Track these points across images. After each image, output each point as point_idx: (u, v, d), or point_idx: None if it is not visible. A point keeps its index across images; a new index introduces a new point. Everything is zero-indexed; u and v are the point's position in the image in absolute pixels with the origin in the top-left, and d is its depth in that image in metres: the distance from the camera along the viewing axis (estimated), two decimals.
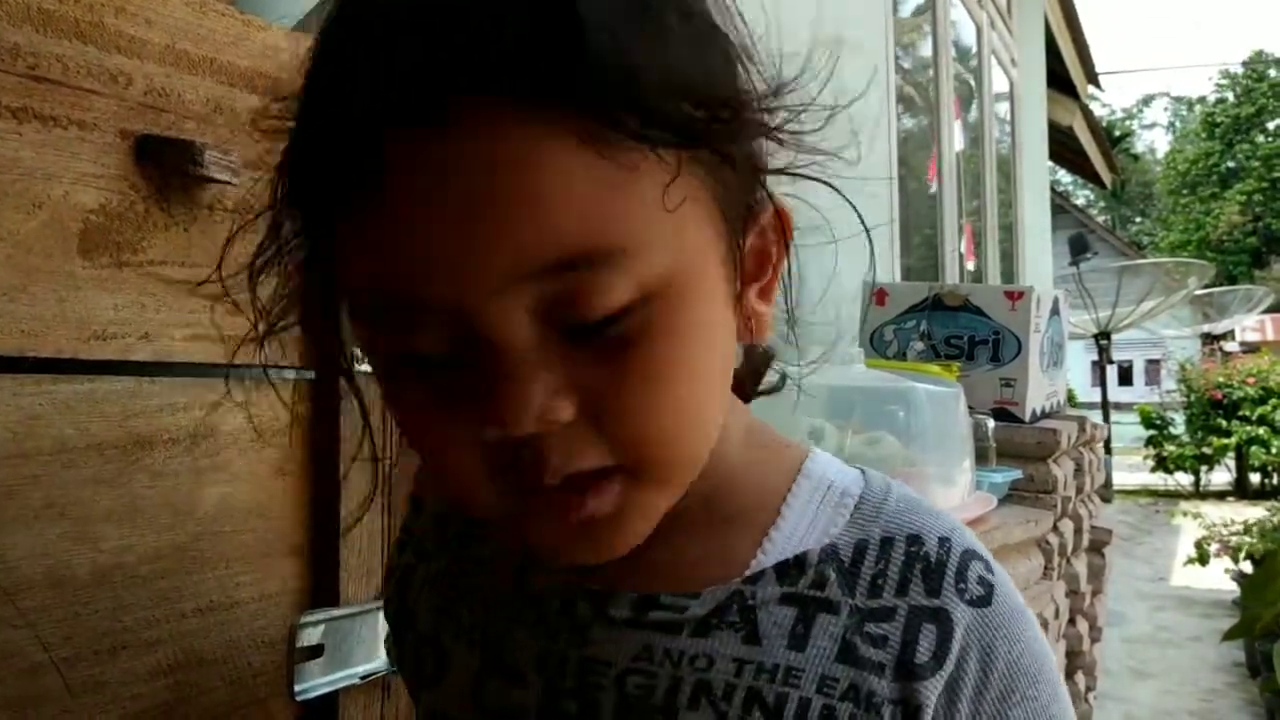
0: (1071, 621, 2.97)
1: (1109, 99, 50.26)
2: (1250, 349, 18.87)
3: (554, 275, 0.50)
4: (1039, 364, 2.54)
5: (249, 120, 0.95)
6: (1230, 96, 39.49)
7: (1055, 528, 2.51)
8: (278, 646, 0.99)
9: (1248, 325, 21.09)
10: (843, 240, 0.71)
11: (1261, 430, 13.20)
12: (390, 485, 1.08)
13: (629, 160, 0.50)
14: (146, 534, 0.89)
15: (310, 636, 0.98)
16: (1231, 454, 13.79)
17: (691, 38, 0.53)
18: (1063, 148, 9.98)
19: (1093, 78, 9.54)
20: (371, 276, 0.52)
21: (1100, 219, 34.12)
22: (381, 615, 1.05)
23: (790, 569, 0.63)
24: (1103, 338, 11.03)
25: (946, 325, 2.51)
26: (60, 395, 0.83)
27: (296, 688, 0.97)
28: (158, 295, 0.89)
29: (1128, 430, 15.19)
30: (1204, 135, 39.55)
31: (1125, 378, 24.39)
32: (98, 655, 0.85)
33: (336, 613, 1.01)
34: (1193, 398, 14.21)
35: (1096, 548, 3.38)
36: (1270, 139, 36.95)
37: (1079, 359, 17.15)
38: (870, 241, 0.71)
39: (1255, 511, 7.81)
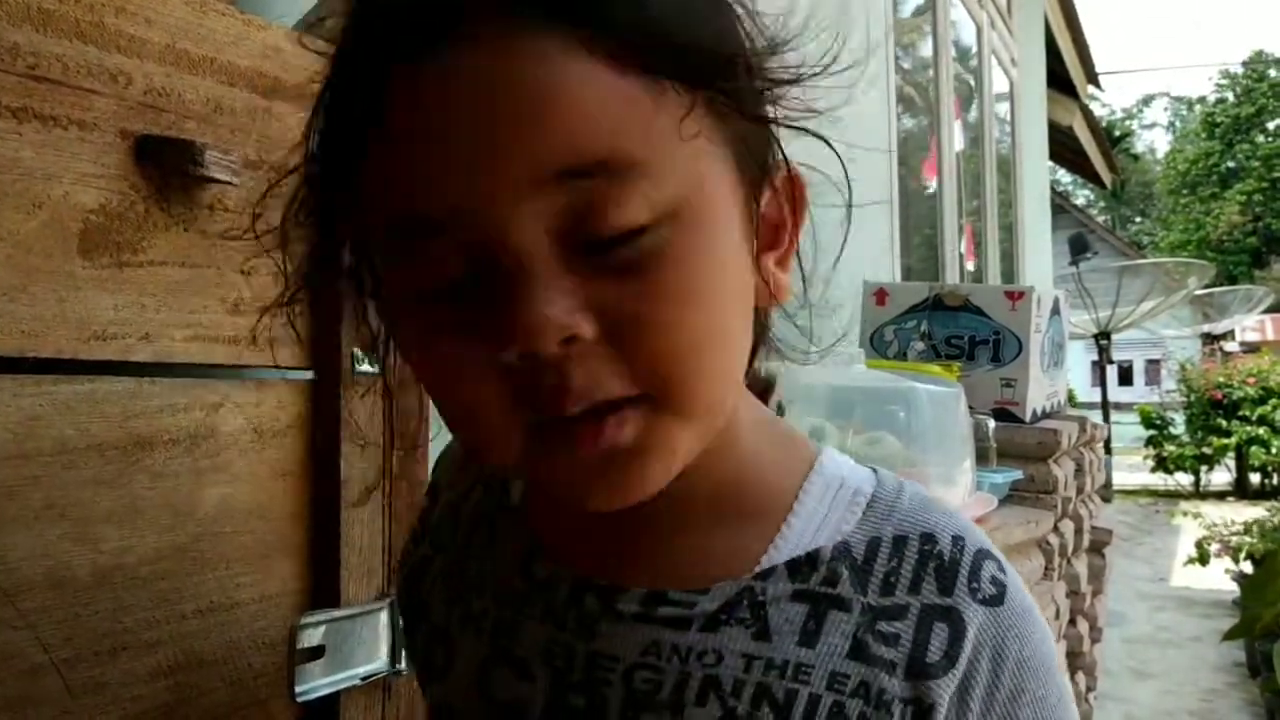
0: (1072, 622, 2.97)
1: (1109, 99, 50.30)
2: (1250, 349, 18.88)
3: (571, 183, 0.51)
4: (1039, 364, 2.54)
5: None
6: (1230, 96, 39.50)
7: (1056, 528, 2.51)
8: (278, 647, 0.98)
9: (1248, 325, 21.09)
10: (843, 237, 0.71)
11: (1261, 430, 13.20)
12: (392, 486, 1.07)
13: (644, 84, 0.52)
14: (147, 535, 0.89)
15: (311, 637, 0.98)
16: (1231, 454, 13.78)
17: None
18: (1063, 148, 9.98)
19: (1093, 78, 9.54)
20: (396, 200, 0.53)
21: (1100, 219, 34.13)
22: (383, 616, 1.05)
23: (802, 566, 0.63)
24: (1103, 338, 11.03)
25: (947, 325, 2.51)
26: (60, 396, 0.83)
27: (297, 689, 0.97)
28: (158, 295, 0.89)
29: (1128, 430, 15.19)
30: (1204, 135, 39.56)
31: (1125, 378, 24.40)
32: (98, 656, 0.84)
33: (337, 614, 1.01)
34: (1193, 398, 14.20)
35: (1097, 548, 3.37)
36: (1270, 139, 36.96)
37: (1079, 359, 17.15)
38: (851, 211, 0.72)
39: (1255, 511, 7.81)
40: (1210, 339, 18.14)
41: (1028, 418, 2.50)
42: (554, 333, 0.51)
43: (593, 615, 0.65)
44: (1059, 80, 8.63)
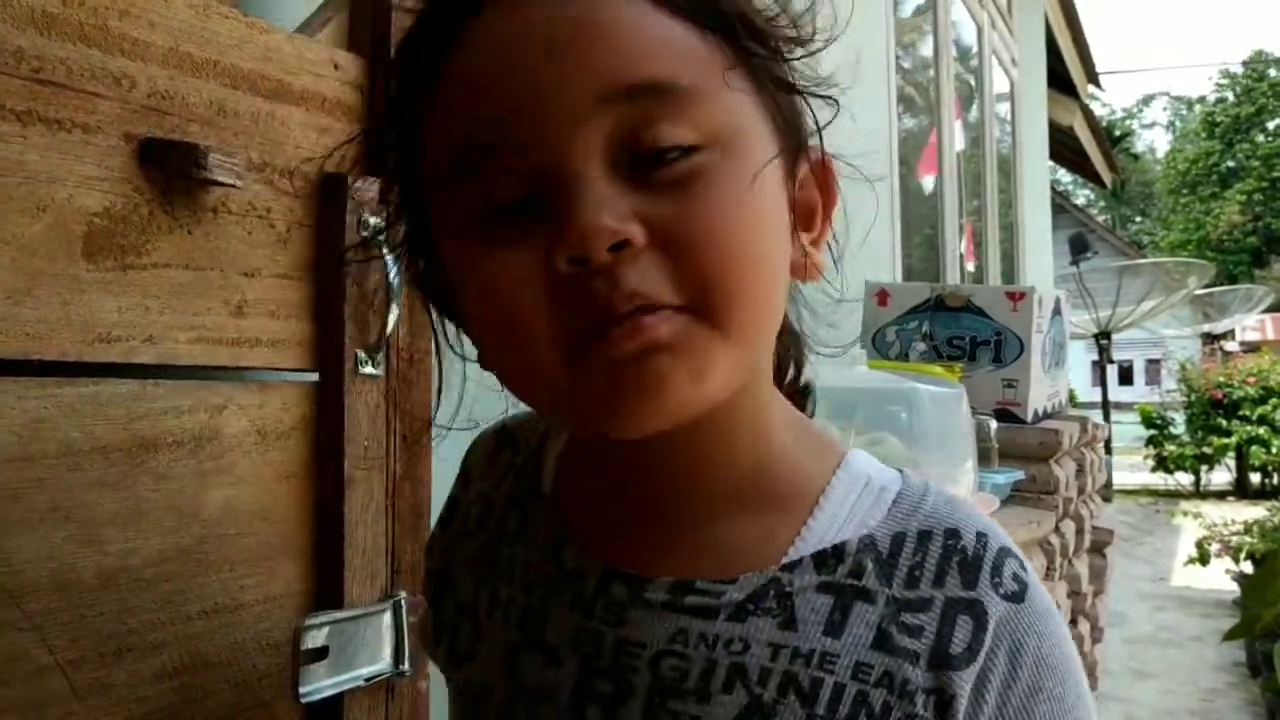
0: (1073, 622, 2.97)
1: (1109, 99, 50.30)
2: (1250, 348, 18.88)
3: (626, 104, 0.55)
4: (1041, 364, 2.55)
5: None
6: (1230, 96, 39.51)
7: (1057, 528, 2.51)
8: (282, 649, 0.99)
9: (1248, 325, 21.09)
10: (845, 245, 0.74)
11: (1262, 430, 13.19)
12: (395, 488, 1.08)
13: (695, 31, 0.58)
14: (151, 537, 0.89)
15: (315, 639, 0.98)
16: (1232, 454, 13.78)
17: None
18: (1063, 147, 9.99)
19: (1093, 77, 9.55)
20: (462, 126, 0.58)
21: (1100, 219, 34.14)
22: (386, 617, 1.05)
23: (828, 558, 0.64)
24: (1103, 337, 11.04)
25: (948, 326, 2.51)
26: (65, 398, 0.83)
27: (301, 690, 0.97)
28: (162, 298, 0.89)
29: (1128, 430, 15.19)
30: (1204, 135, 39.57)
31: (1125, 377, 24.40)
32: (103, 658, 0.85)
33: (340, 615, 1.01)
34: (1193, 397, 14.20)
35: (1098, 548, 3.38)
36: (1270, 138, 36.96)
37: (1079, 359, 17.14)
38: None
39: (1255, 511, 7.81)
40: (1210, 338, 18.15)
41: (1029, 418, 2.50)
42: (606, 238, 0.54)
43: (621, 603, 0.66)
44: (1059, 80, 8.64)
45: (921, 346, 2.52)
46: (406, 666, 1.06)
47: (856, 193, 0.75)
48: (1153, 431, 14.51)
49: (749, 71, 0.61)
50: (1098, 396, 11.57)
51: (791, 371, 0.77)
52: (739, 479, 0.66)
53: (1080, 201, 35.51)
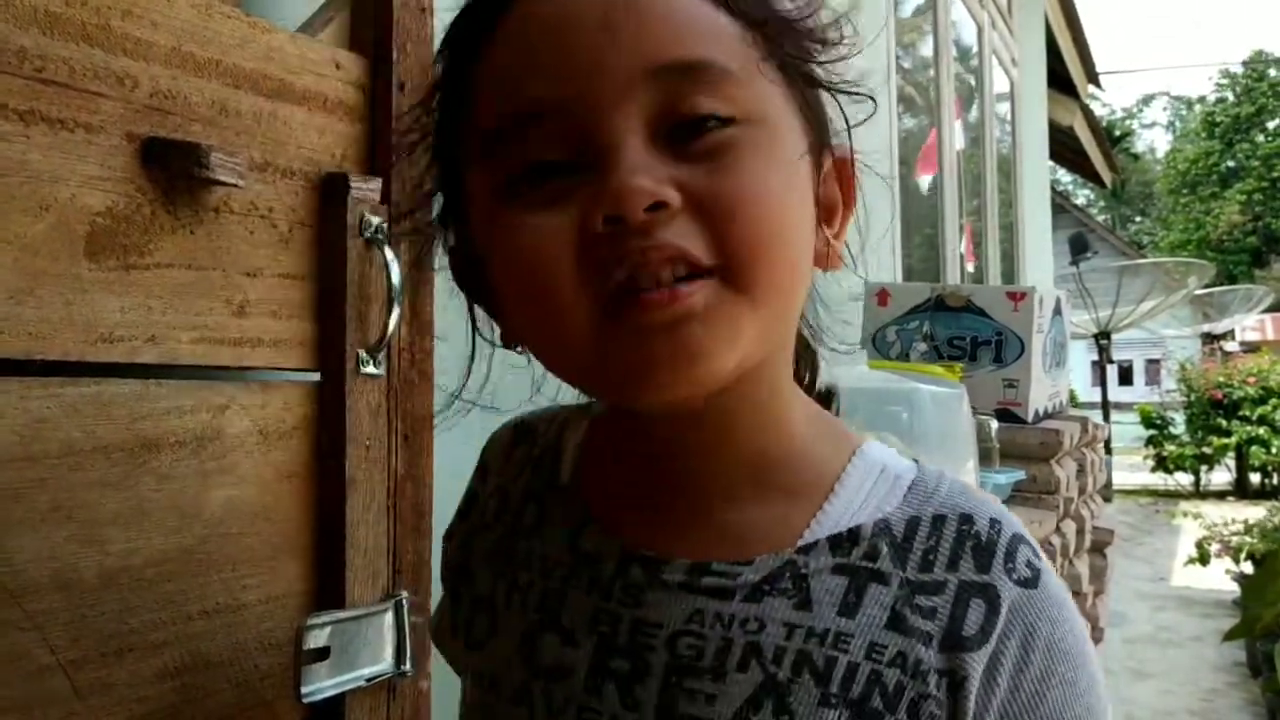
0: None
1: (1109, 98, 50.29)
2: (1250, 348, 18.89)
3: (667, 80, 0.59)
4: (1041, 364, 2.55)
5: None
6: (1230, 96, 39.53)
7: (1058, 528, 2.51)
8: (284, 649, 0.99)
9: (1248, 325, 21.10)
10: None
11: (1262, 430, 13.21)
12: (397, 488, 1.08)
13: (734, 21, 0.62)
14: (153, 536, 0.89)
15: (317, 639, 0.98)
16: (1231, 454, 13.79)
17: None
18: (1063, 147, 9.99)
19: (1093, 77, 9.55)
20: (509, 93, 0.61)
21: (1100, 218, 34.16)
22: (388, 617, 1.05)
23: (843, 541, 0.66)
24: (1103, 337, 11.05)
25: (949, 326, 2.51)
26: (67, 398, 0.83)
27: (303, 690, 0.97)
28: (164, 298, 0.89)
29: (1128, 430, 15.20)
30: (1204, 135, 39.59)
31: (1125, 377, 24.41)
32: (104, 658, 0.85)
33: (342, 615, 1.01)
34: (1193, 397, 14.22)
35: (1098, 548, 3.38)
36: (1270, 138, 36.97)
37: (1079, 359, 17.13)
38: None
39: (1255, 511, 7.82)
40: (1210, 339, 18.16)
41: (1030, 418, 2.50)
42: (643, 198, 0.56)
43: (639, 585, 0.67)
44: (1059, 80, 8.64)
45: (922, 346, 2.52)
46: (408, 666, 1.06)
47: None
48: (1152, 432, 14.53)
49: (781, 66, 0.64)
50: (1098, 396, 11.58)
51: (807, 376, 0.78)
52: (757, 463, 0.68)
53: (1080, 201, 35.52)
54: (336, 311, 1.02)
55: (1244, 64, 40.00)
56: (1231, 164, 37.74)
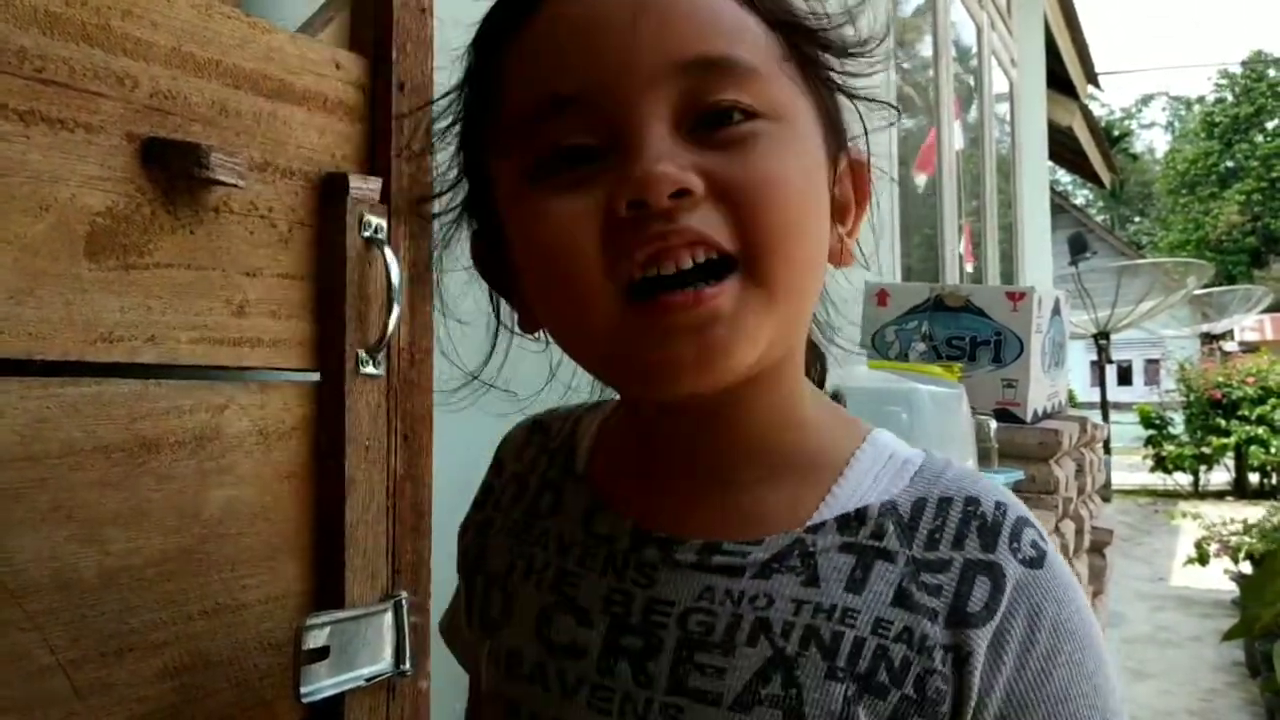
0: None
1: (1108, 99, 50.32)
2: (1249, 349, 18.89)
3: (698, 71, 0.61)
4: (1040, 364, 2.55)
5: None
6: (1229, 96, 39.54)
7: (1057, 529, 2.51)
8: (284, 649, 0.99)
9: (1246, 325, 21.11)
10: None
11: (1260, 430, 13.21)
12: (396, 488, 1.08)
13: (759, 23, 0.65)
14: (153, 536, 0.89)
15: (316, 639, 0.98)
16: (1230, 454, 13.79)
17: None
18: (1062, 147, 10.00)
19: (1092, 77, 9.55)
20: (540, 83, 0.63)
21: (1099, 219, 34.17)
22: (387, 617, 1.05)
23: (851, 521, 0.67)
24: (1102, 337, 11.05)
25: (948, 326, 2.51)
26: (67, 398, 0.83)
27: (302, 689, 0.97)
28: (164, 298, 0.89)
29: (1127, 430, 15.20)
30: (1203, 135, 39.60)
31: (1124, 377, 24.42)
32: (104, 657, 0.85)
33: (342, 615, 1.01)
34: (1192, 397, 14.21)
35: (1097, 548, 3.38)
36: (1269, 139, 36.99)
37: (1078, 359, 17.14)
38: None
39: (1254, 511, 7.82)
40: (1209, 339, 18.16)
41: (1029, 418, 2.51)
42: (667, 184, 0.58)
43: (652, 564, 0.69)
44: (1058, 80, 8.65)
45: (921, 346, 2.53)
46: (407, 666, 1.06)
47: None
48: (1151, 432, 14.53)
49: (801, 67, 0.67)
50: (1097, 396, 11.58)
51: (816, 374, 0.80)
52: (770, 449, 0.69)
53: (1079, 201, 35.53)
54: (336, 311, 1.03)
55: (1243, 64, 40.04)
56: (1230, 164, 37.77)
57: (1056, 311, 2.71)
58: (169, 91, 0.90)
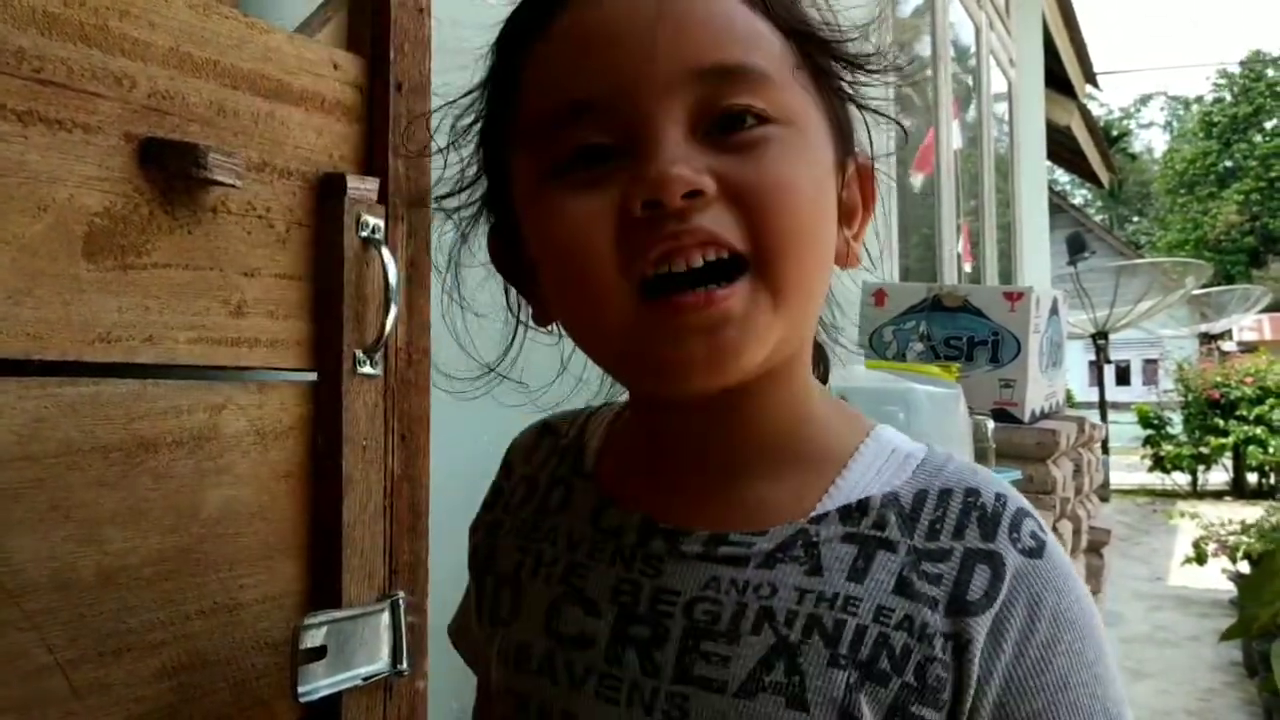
0: None
1: (1106, 98, 50.33)
2: (1248, 349, 18.87)
3: (713, 78, 0.63)
4: (1038, 364, 2.55)
5: None
6: (1228, 96, 39.54)
7: (1054, 529, 2.51)
8: (281, 648, 0.99)
9: (1245, 325, 21.12)
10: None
11: (1259, 430, 13.20)
12: (393, 487, 1.08)
13: (774, 31, 0.67)
14: (151, 536, 0.89)
15: (313, 638, 0.98)
16: (1229, 454, 13.78)
17: None
18: (1060, 147, 10.00)
19: (1090, 77, 9.55)
20: (561, 87, 0.65)
21: (1098, 218, 34.17)
22: (384, 617, 1.05)
23: (853, 512, 0.69)
24: (1100, 337, 11.05)
25: (946, 326, 2.51)
26: (65, 398, 0.83)
27: (300, 689, 0.97)
28: (161, 298, 0.89)
29: (1125, 430, 15.20)
30: (1201, 135, 39.60)
31: (1123, 377, 24.42)
32: (102, 657, 0.85)
33: (339, 614, 1.01)
34: (1190, 397, 14.20)
35: (1095, 548, 3.38)
36: (1268, 139, 37.00)
37: (1076, 359, 17.15)
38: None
39: (1252, 511, 7.82)
40: (1207, 339, 18.17)
41: (1026, 418, 2.51)
42: (681, 185, 0.60)
43: (659, 556, 0.70)
44: (1057, 80, 8.65)
45: (919, 347, 2.53)
46: (404, 666, 1.06)
47: None
48: (1150, 431, 14.52)
49: (813, 76, 0.69)
50: (1095, 396, 11.58)
51: (819, 373, 0.82)
52: (776, 444, 0.71)
53: (1078, 201, 35.53)
54: (333, 311, 1.03)
55: (1241, 64, 40.03)
56: (1229, 164, 37.77)
57: (1054, 311, 2.71)
58: (167, 92, 0.90)
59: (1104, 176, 11.81)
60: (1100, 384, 11.32)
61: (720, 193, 0.62)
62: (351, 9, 1.11)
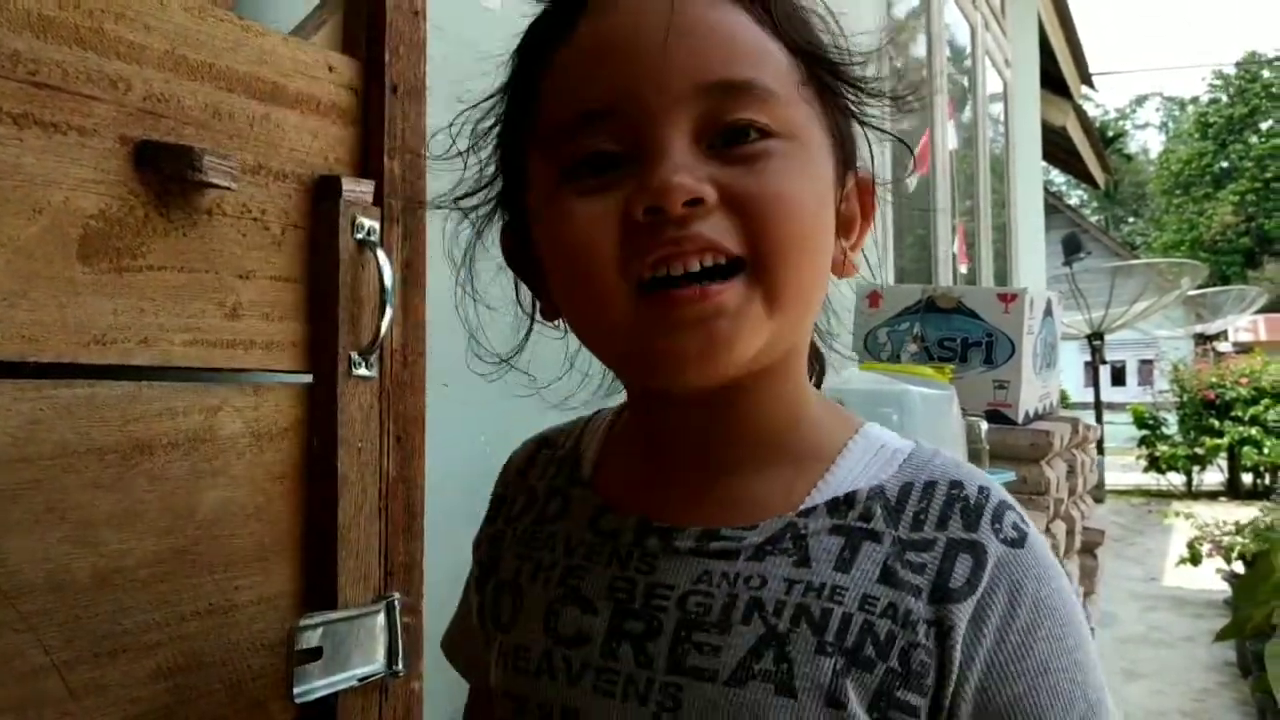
0: None
1: (1102, 99, 50.39)
2: (1243, 349, 18.88)
3: (720, 93, 0.65)
4: (1032, 365, 2.55)
5: None
6: (1223, 97, 39.56)
7: (1048, 529, 2.52)
8: (276, 649, 0.99)
9: (1240, 325, 21.14)
10: None
11: (1254, 430, 13.21)
12: (388, 489, 1.08)
13: (781, 49, 0.69)
14: (146, 537, 0.89)
15: (309, 639, 0.98)
16: (1224, 454, 13.79)
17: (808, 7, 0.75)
18: (1056, 148, 10.01)
19: (1086, 78, 9.57)
20: (576, 96, 0.68)
21: (1093, 219, 34.18)
22: (380, 618, 1.06)
23: (840, 505, 0.71)
24: (1096, 338, 11.06)
25: (940, 327, 2.52)
26: (61, 400, 0.83)
27: (295, 690, 0.97)
28: (157, 300, 0.90)
29: (1120, 430, 15.21)
30: (1197, 135, 39.64)
31: (1118, 378, 24.42)
32: (98, 658, 0.85)
33: (334, 616, 1.01)
34: (1185, 398, 14.21)
35: (1089, 549, 3.39)
36: (1263, 139, 37.03)
37: (1072, 359, 17.16)
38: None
39: (1247, 512, 7.82)
40: (1203, 339, 18.17)
41: (1020, 419, 2.51)
42: (682, 194, 0.62)
43: (653, 553, 0.73)
44: (1052, 80, 8.66)
45: (913, 348, 2.53)
46: (400, 667, 1.07)
47: None
48: (1145, 432, 14.53)
49: (817, 92, 0.71)
50: (1090, 397, 11.58)
51: (814, 377, 0.84)
52: (770, 442, 0.73)
53: (1073, 202, 35.54)
54: (328, 313, 1.03)
55: (1237, 65, 40.06)
56: (1224, 165, 37.81)
57: (1048, 312, 2.72)
58: (162, 94, 0.90)
59: (1099, 177, 11.83)
60: (1095, 385, 11.33)
61: (720, 201, 0.64)
62: (347, 12, 1.11)
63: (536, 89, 0.72)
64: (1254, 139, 37.41)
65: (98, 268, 0.85)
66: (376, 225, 1.06)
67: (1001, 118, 7.14)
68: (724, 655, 0.67)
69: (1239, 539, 6.98)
